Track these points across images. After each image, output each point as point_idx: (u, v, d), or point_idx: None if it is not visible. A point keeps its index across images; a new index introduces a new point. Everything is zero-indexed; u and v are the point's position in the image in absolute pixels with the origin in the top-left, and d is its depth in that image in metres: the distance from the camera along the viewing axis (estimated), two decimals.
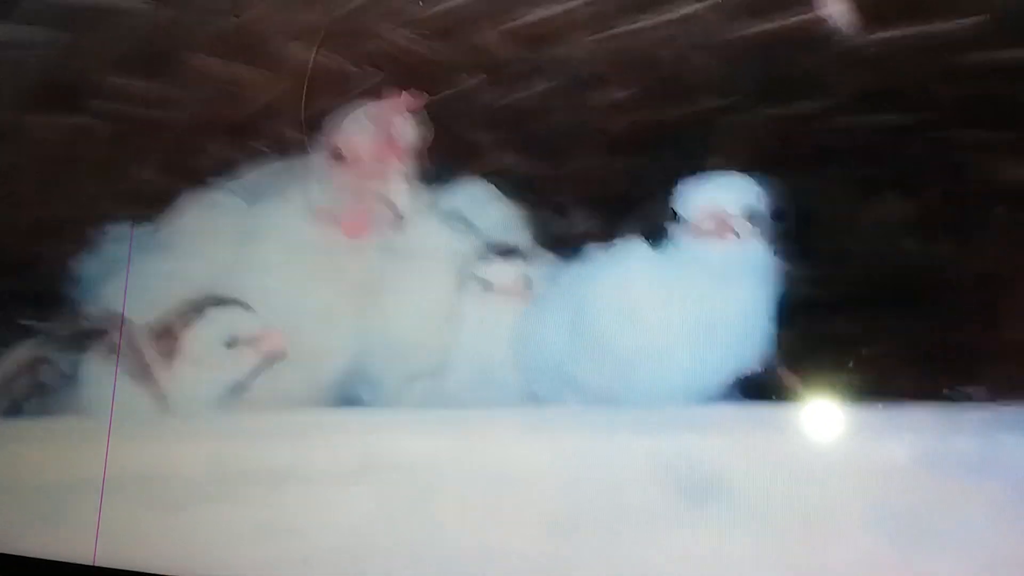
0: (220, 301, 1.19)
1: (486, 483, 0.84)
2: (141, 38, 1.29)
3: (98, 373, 1.17)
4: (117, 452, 1.00)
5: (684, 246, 1.09)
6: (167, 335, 1.18)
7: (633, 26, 1.29)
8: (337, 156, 1.21)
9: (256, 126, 1.31)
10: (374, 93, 1.40)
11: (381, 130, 1.21)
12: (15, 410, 1.15)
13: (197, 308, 1.18)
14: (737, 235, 1.05)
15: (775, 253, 1.14)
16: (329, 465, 0.89)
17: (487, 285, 1.23)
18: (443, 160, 1.46)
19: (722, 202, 1.06)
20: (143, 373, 1.17)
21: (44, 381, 1.16)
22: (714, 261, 1.05)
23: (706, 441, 0.79)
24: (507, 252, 1.25)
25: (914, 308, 1.51)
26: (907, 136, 1.41)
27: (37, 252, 1.53)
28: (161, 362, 1.17)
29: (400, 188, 1.19)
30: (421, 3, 1.25)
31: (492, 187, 1.41)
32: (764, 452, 0.77)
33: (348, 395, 1.25)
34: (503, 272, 1.24)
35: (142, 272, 1.31)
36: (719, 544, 0.77)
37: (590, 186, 1.59)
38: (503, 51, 1.34)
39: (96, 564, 1.02)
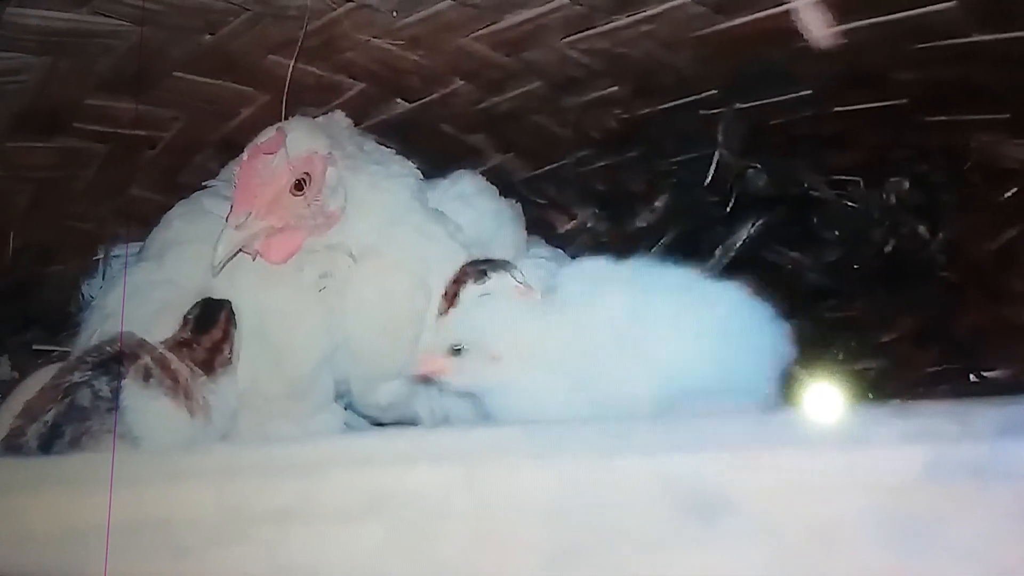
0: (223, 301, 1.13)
1: (493, 512, 0.75)
2: (119, 59, 1.18)
3: (136, 397, 1.05)
4: (121, 496, 0.90)
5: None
6: (213, 350, 1.10)
7: (605, 27, 1.19)
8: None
9: (241, 139, 1.19)
10: (353, 103, 1.31)
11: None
12: (56, 434, 1.04)
13: (228, 319, 1.12)
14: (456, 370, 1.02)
15: None
16: (336, 501, 0.80)
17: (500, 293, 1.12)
18: (427, 165, 1.37)
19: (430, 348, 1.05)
20: (176, 390, 1.08)
21: (82, 404, 1.04)
22: None
23: (711, 457, 0.69)
24: (498, 265, 1.13)
25: (927, 292, 1.43)
26: (897, 121, 1.33)
27: (43, 275, 1.44)
28: (207, 379, 1.10)
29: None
30: (395, 14, 1.15)
31: (481, 179, 1.31)
32: (771, 464, 0.67)
33: (323, 390, 1.17)
34: (505, 282, 1.13)
35: (138, 283, 1.20)
36: (729, 563, 0.67)
37: (576, 184, 1.51)
38: (478, 58, 1.24)
39: None
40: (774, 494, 0.66)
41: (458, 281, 1.12)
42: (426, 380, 1.06)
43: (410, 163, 1.22)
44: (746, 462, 0.67)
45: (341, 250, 1.13)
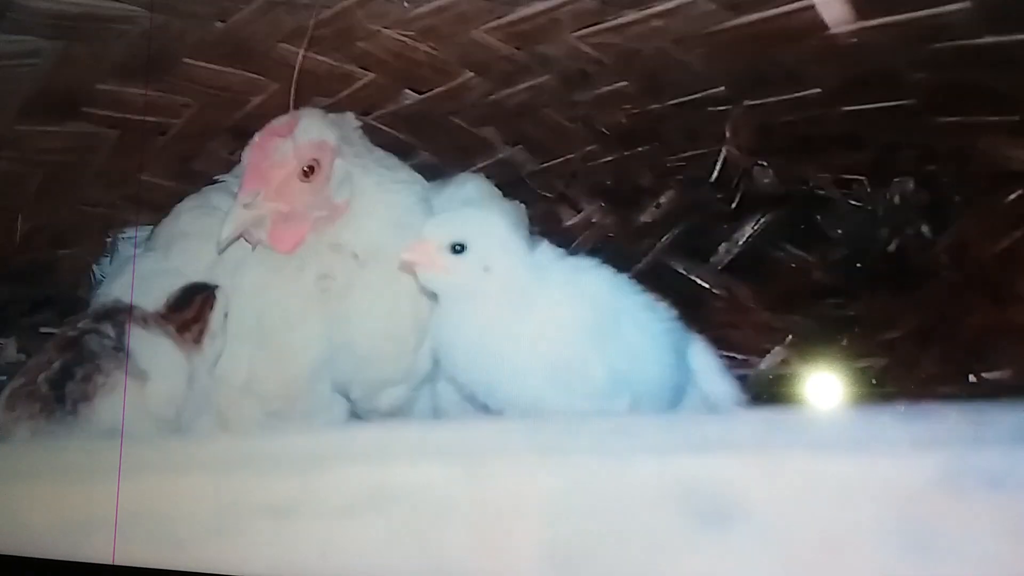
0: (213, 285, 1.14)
1: (496, 509, 0.72)
2: (132, 45, 1.15)
3: (140, 337, 1.07)
4: (127, 484, 0.87)
5: None
6: (192, 322, 1.11)
7: (615, 22, 1.15)
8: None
9: (252, 127, 1.16)
10: (363, 93, 1.27)
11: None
12: (67, 375, 1.02)
13: (209, 290, 1.13)
14: (444, 267, 0.98)
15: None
16: (337, 495, 0.77)
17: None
18: (436, 156, 1.34)
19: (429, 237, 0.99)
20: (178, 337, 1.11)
21: (91, 348, 1.04)
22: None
23: (721, 459, 0.66)
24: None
25: (929, 292, 1.40)
26: (906, 121, 1.30)
27: (53, 259, 1.41)
28: (190, 350, 1.11)
29: None
30: (407, 4, 1.12)
31: (487, 184, 1.27)
32: (782, 468, 0.64)
33: (320, 393, 1.14)
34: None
35: (144, 272, 1.19)
36: (738, 570, 0.63)
37: (583, 178, 1.47)
38: (489, 50, 1.20)
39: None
40: (785, 499, 0.62)
41: None
42: (408, 268, 1.01)
43: (416, 173, 1.18)
44: (757, 465, 0.64)
45: (345, 251, 1.10)
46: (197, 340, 1.11)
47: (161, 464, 0.88)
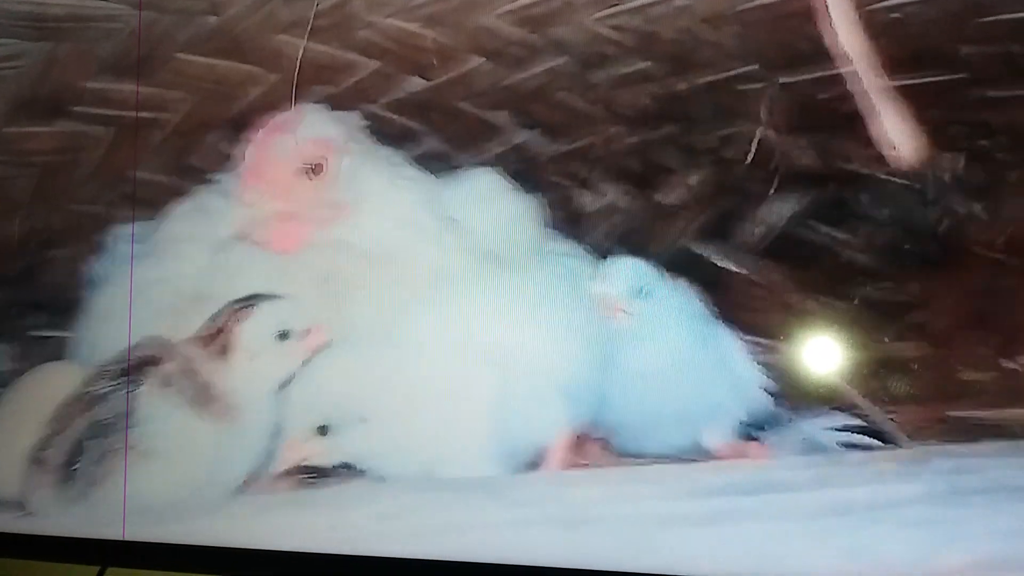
0: (268, 297, 1.10)
1: None
2: (121, 43, 1.14)
3: (155, 407, 1.06)
4: None
5: None
6: (217, 334, 1.08)
7: (635, 3, 1.12)
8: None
9: (249, 120, 1.15)
10: (368, 82, 1.25)
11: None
12: (79, 450, 1.05)
13: (247, 303, 1.09)
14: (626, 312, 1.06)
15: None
16: None
17: None
18: (446, 143, 1.31)
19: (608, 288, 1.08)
20: (202, 396, 1.07)
21: (103, 420, 1.05)
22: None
23: None
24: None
25: (981, 276, 1.35)
26: (955, 96, 1.24)
27: (45, 261, 1.41)
28: (215, 361, 1.08)
29: None
30: None
31: (501, 178, 1.24)
32: None
33: None
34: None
35: (136, 282, 1.20)
36: None
37: (605, 162, 1.44)
38: (501, 35, 1.18)
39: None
40: None
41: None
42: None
43: (422, 173, 1.16)
44: None
45: (353, 251, 1.09)
46: (222, 353, 1.08)
47: None
